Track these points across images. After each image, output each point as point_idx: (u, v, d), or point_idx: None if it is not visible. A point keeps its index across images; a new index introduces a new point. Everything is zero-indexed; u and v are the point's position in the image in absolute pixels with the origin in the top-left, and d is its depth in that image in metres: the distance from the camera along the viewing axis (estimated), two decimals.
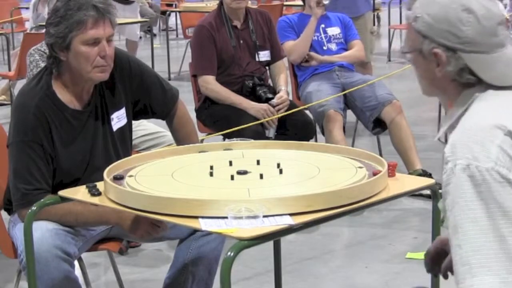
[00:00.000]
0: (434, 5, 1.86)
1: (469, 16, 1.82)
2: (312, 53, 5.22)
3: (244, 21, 4.72)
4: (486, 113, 1.78)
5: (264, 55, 4.74)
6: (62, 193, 2.51)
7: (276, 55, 4.81)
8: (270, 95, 4.59)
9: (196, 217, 2.16)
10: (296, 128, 4.59)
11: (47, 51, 2.83)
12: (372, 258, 3.99)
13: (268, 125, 4.53)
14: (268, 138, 4.51)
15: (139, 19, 9.32)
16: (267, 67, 4.82)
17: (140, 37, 13.86)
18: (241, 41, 4.67)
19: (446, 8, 1.84)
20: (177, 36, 14.06)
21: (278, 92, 4.66)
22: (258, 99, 4.58)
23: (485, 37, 1.82)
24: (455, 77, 1.84)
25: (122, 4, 8.65)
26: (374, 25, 11.65)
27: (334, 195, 2.21)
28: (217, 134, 4.56)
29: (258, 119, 4.50)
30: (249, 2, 5.04)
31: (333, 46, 5.30)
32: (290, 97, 4.96)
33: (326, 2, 5.19)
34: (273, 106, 4.55)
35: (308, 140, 4.55)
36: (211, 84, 4.61)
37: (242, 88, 4.62)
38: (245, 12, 4.74)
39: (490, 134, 1.71)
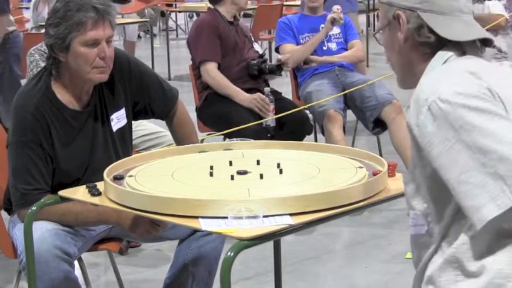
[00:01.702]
0: None
1: None
2: (311, 56, 5.24)
3: (234, 19, 4.90)
4: (457, 65, 1.85)
5: (257, 48, 4.96)
6: (62, 193, 2.51)
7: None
8: (275, 65, 4.83)
9: (196, 217, 2.15)
10: (292, 124, 4.62)
11: (47, 51, 2.83)
12: (372, 258, 3.99)
13: (263, 114, 4.57)
14: (268, 129, 4.54)
15: (137, 19, 9.30)
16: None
17: (140, 37, 13.88)
18: (238, 32, 4.85)
19: None
20: (177, 36, 14.06)
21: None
22: (269, 71, 4.78)
23: None
24: (415, 36, 1.90)
25: (118, 4, 8.67)
26: (369, 26, 11.66)
27: (334, 195, 2.21)
28: (217, 134, 4.56)
29: (257, 118, 4.52)
30: (249, 2, 5.17)
31: (333, 46, 5.31)
32: (290, 97, 4.98)
33: (341, 22, 5.23)
34: (267, 96, 4.64)
35: (304, 136, 4.60)
36: (212, 71, 4.70)
37: (248, 68, 4.76)
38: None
39: (461, 75, 1.79)
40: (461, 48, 1.90)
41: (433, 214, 1.85)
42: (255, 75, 4.76)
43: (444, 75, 1.82)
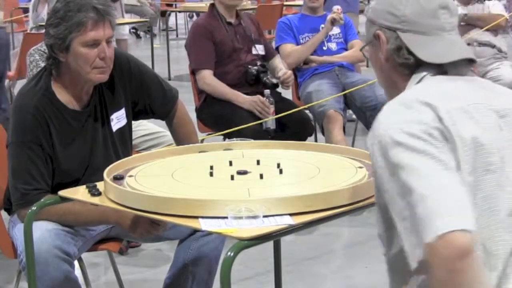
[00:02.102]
0: None
1: None
2: (311, 56, 5.24)
3: (236, 18, 4.82)
4: (416, 91, 1.80)
5: (260, 49, 4.84)
6: (62, 193, 2.51)
7: (270, 53, 4.94)
8: (274, 81, 4.69)
9: (196, 217, 2.15)
10: (294, 125, 4.61)
11: (47, 51, 2.83)
12: (372, 258, 3.99)
13: (263, 116, 4.55)
14: (268, 130, 4.53)
15: (137, 19, 9.30)
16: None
17: (140, 37, 13.88)
18: (237, 36, 4.76)
19: None
20: (177, 36, 14.06)
21: (280, 71, 4.78)
22: (264, 85, 4.65)
23: (424, 18, 1.84)
24: (395, 57, 1.85)
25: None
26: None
27: (334, 195, 2.21)
28: (217, 134, 4.56)
29: (257, 119, 4.51)
30: (249, 2, 5.11)
31: (333, 46, 5.31)
32: (290, 97, 4.96)
33: (341, 22, 5.22)
34: (267, 98, 4.59)
35: (306, 137, 4.59)
36: (208, 78, 4.66)
37: (246, 77, 4.67)
38: (235, 12, 4.86)
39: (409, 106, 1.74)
40: (442, 67, 1.85)
41: (385, 240, 1.83)
42: (252, 84, 4.70)
43: (399, 106, 1.76)
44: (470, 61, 1.89)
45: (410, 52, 1.84)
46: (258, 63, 4.74)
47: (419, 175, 1.63)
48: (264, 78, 4.66)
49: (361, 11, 8.10)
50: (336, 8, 5.26)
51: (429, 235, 1.56)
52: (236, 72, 4.70)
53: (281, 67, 4.85)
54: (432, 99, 1.73)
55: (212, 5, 4.84)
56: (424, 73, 1.83)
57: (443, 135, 1.69)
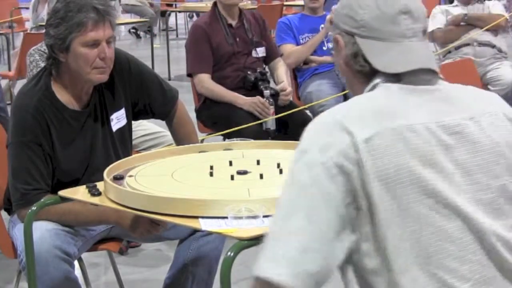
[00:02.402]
0: None
1: (369, 0, 1.76)
2: (311, 56, 5.24)
3: (238, 19, 4.76)
4: (351, 106, 1.68)
5: (260, 51, 4.78)
6: (62, 193, 2.51)
7: (273, 54, 4.86)
8: (272, 91, 4.63)
9: (196, 217, 2.16)
10: (296, 127, 4.59)
11: (47, 51, 2.83)
12: None
13: (263, 117, 4.54)
14: (268, 131, 4.52)
15: (128, 19, 9.28)
16: (265, 66, 4.84)
17: (140, 37, 13.88)
18: (237, 39, 4.70)
19: None
20: (177, 36, 14.06)
21: (280, 84, 4.71)
22: (261, 94, 4.60)
23: (383, 23, 1.74)
24: (352, 63, 1.76)
25: None
26: None
27: None
28: (217, 134, 4.56)
29: (257, 119, 4.51)
30: (249, 2, 5.06)
31: None
32: (290, 97, 4.95)
33: None
34: (267, 99, 4.57)
35: None
36: (206, 82, 4.63)
37: (244, 82, 4.65)
38: (239, 11, 4.79)
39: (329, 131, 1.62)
40: (398, 76, 1.72)
41: None
42: (250, 89, 4.64)
43: (322, 125, 1.65)
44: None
45: (366, 60, 1.73)
46: (258, 69, 4.69)
47: (294, 204, 1.57)
48: (262, 87, 4.61)
49: None
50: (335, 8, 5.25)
51: (255, 268, 1.54)
52: (235, 76, 4.66)
53: (282, 79, 4.77)
54: (358, 122, 1.61)
55: (215, 5, 4.77)
56: (377, 81, 1.72)
57: (355, 166, 1.56)
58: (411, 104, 1.66)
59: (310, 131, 1.66)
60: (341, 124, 1.61)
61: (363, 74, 1.75)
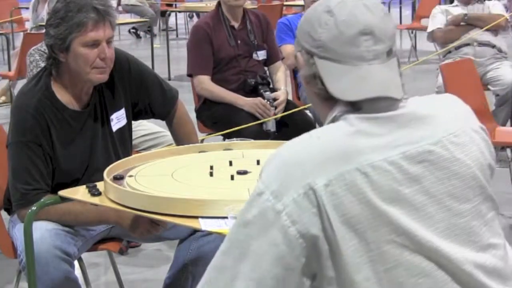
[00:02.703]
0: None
1: (329, 19, 1.63)
2: None
3: (241, 21, 4.73)
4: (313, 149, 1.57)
5: (261, 54, 4.76)
6: (62, 193, 2.51)
7: (274, 57, 4.83)
8: (272, 95, 4.61)
9: (196, 217, 2.15)
10: (296, 128, 4.59)
11: (47, 51, 2.83)
12: None
13: (263, 118, 4.53)
14: (268, 133, 4.52)
15: (128, 19, 9.28)
16: (265, 68, 4.83)
17: (140, 37, 13.88)
18: (239, 41, 4.68)
19: (313, 8, 1.68)
20: (177, 36, 14.06)
21: (276, 92, 4.69)
22: (261, 97, 4.59)
23: (341, 45, 1.61)
24: (311, 84, 1.65)
25: None
26: None
27: None
28: (217, 134, 4.56)
29: (257, 119, 4.51)
30: (249, 2, 5.02)
31: None
32: (290, 97, 4.95)
33: None
34: (268, 101, 4.55)
35: None
36: (205, 84, 4.61)
37: (244, 85, 4.63)
38: (242, 13, 4.76)
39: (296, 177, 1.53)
40: (357, 103, 1.60)
41: None
42: (250, 93, 4.63)
43: (284, 166, 1.56)
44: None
45: (323, 83, 1.62)
46: (258, 72, 4.68)
47: (242, 268, 1.53)
48: (261, 91, 4.60)
49: None
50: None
51: None
52: (235, 79, 4.65)
53: (279, 86, 4.74)
54: (317, 167, 1.52)
55: (219, 4, 4.74)
56: (336, 113, 1.62)
57: (313, 216, 1.50)
58: (372, 138, 1.56)
59: (268, 171, 1.58)
60: (299, 170, 1.53)
61: (322, 98, 1.64)
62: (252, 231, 1.54)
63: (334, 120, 1.62)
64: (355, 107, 1.60)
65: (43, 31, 2.85)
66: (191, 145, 2.91)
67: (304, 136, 1.61)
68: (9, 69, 7.74)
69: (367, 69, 1.61)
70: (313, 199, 1.50)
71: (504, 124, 5.45)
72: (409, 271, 1.52)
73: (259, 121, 4.50)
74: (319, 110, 1.70)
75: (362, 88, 1.59)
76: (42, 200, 2.57)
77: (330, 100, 1.63)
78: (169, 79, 8.98)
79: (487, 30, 5.81)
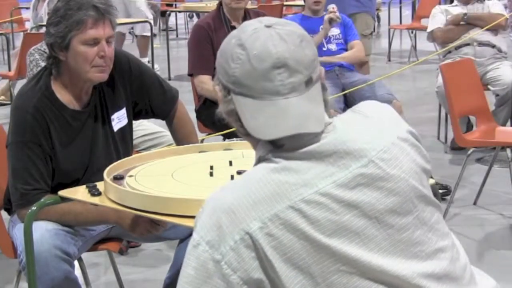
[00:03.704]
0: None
1: (242, 53, 1.58)
2: None
3: (243, 21, 4.70)
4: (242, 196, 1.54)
5: None
6: (62, 193, 2.51)
7: None
8: None
9: None
10: None
11: (47, 50, 2.84)
12: None
13: None
14: None
15: (128, 19, 9.27)
16: None
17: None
18: None
19: (228, 41, 1.63)
20: (177, 36, 14.06)
21: None
22: None
23: (255, 80, 1.55)
24: (231, 119, 1.63)
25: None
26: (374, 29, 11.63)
27: None
28: (217, 134, 4.56)
29: None
30: (249, 2, 5.01)
31: (333, 47, 5.31)
32: None
33: (339, 21, 5.19)
34: None
35: None
36: (206, 84, 4.61)
37: None
38: (243, 13, 4.75)
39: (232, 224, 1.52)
40: (278, 140, 1.56)
41: None
42: None
43: (222, 213, 1.54)
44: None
45: (240, 120, 1.58)
46: None
47: None
48: None
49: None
50: (331, 7, 5.24)
51: None
52: None
53: None
54: (250, 211, 1.51)
55: (220, 5, 4.74)
56: (260, 154, 1.59)
57: (251, 259, 1.50)
58: (299, 174, 1.53)
59: (201, 221, 1.58)
60: (231, 216, 1.52)
61: (244, 134, 1.61)
62: (195, 283, 1.53)
63: (260, 160, 1.59)
64: (277, 143, 1.57)
65: (43, 30, 2.85)
66: (191, 145, 2.91)
67: (234, 181, 1.60)
68: (9, 69, 7.74)
69: (282, 104, 1.55)
70: (250, 243, 1.49)
71: (504, 124, 5.44)
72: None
73: None
74: (249, 142, 1.66)
75: (278, 125, 1.54)
76: (42, 200, 2.57)
77: (250, 138, 1.60)
78: (169, 79, 8.98)
79: (487, 30, 5.81)
